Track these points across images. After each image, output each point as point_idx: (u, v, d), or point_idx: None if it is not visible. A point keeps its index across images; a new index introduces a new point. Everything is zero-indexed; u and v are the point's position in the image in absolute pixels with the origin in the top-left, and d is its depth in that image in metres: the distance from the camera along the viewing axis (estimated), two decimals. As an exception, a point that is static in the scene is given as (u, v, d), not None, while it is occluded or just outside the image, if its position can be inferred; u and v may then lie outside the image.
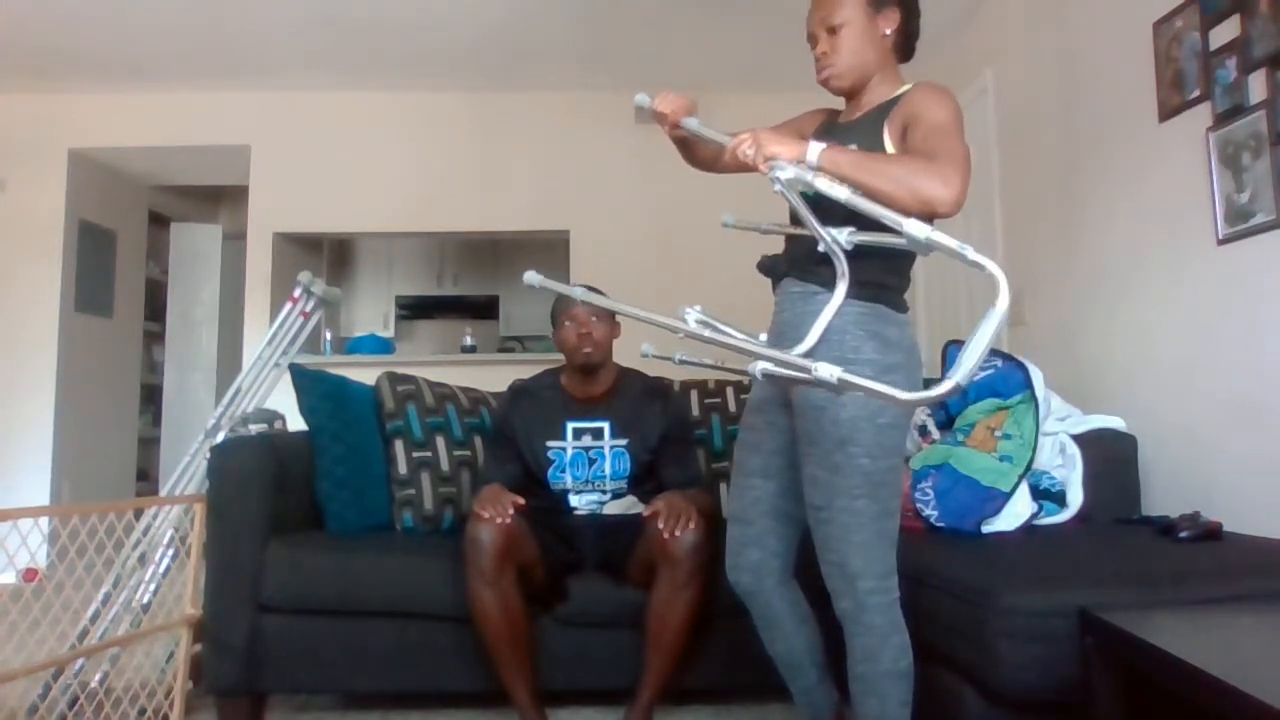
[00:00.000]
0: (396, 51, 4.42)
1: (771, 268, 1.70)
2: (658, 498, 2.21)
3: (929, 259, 4.91)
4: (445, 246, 7.09)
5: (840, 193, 1.33)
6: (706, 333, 1.44)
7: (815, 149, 1.42)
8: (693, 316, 1.46)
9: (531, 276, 1.72)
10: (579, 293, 1.78)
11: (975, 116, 3.89)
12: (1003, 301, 1.07)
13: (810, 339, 1.45)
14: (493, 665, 2.13)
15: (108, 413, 5.29)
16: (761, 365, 1.33)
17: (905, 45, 1.71)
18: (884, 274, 1.59)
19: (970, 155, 1.48)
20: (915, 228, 1.19)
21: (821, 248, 1.43)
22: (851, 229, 1.40)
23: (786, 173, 1.36)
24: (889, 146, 1.57)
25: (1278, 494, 2.17)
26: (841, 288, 1.43)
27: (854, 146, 1.53)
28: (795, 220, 1.62)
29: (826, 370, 1.19)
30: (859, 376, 1.49)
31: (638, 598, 2.18)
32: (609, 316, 2.42)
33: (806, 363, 1.24)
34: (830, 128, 1.73)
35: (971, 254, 1.12)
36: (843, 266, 1.42)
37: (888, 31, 1.65)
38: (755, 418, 1.75)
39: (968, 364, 1.08)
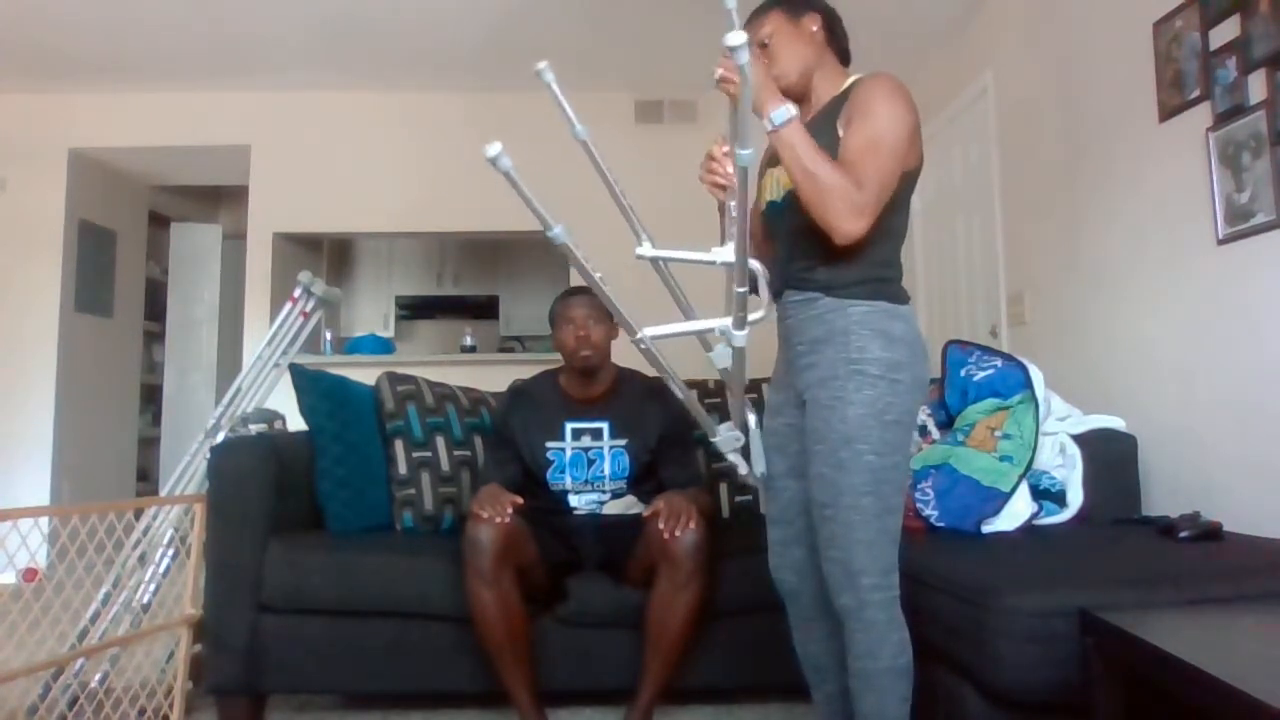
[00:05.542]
0: (396, 52, 4.42)
1: (774, 289, 1.70)
2: (658, 498, 2.21)
3: (929, 256, 4.85)
4: (445, 246, 7.09)
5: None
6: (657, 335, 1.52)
7: (786, 114, 1.48)
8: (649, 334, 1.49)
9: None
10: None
11: (975, 116, 3.88)
12: None
13: None
14: (492, 665, 2.13)
15: (108, 413, 5.28)
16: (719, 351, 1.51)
17: (839, 48, 1.75)
18: (879, 267, 1.61)
19: (894, 172, 1.53)
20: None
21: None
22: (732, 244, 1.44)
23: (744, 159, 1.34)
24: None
25: (1278, 494, 2.17)
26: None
27: None
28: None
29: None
30: (867, 376, 1.50)
31: (638, 598, 2.18)
32: (607, 318, 2.42)
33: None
34: None
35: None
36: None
37: (814, 29, 1.71)
38: (775, 421, 1.76)
39: None
